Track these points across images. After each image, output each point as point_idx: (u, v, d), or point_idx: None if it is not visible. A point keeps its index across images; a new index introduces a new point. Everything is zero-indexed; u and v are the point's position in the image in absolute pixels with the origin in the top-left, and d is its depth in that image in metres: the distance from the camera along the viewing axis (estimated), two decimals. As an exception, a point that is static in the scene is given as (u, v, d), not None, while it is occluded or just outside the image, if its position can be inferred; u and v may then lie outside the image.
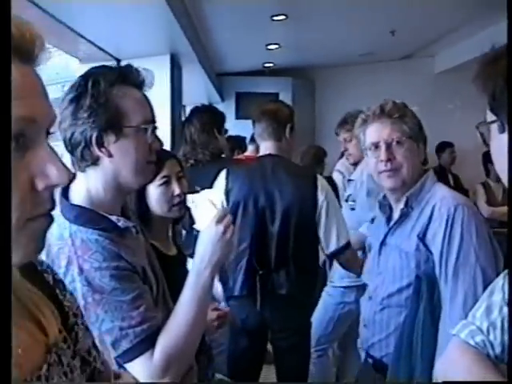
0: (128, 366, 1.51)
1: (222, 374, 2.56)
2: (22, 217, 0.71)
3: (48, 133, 0.76)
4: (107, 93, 1.53)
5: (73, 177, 1.61)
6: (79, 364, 0.96)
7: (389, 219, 2.14)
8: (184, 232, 3.17)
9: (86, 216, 1.57)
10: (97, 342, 1.42)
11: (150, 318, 1.52)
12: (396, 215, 2.10)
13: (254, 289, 2.94)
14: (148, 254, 1.74)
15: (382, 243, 2.13)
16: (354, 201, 3.60)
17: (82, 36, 3.26)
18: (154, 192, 2.11)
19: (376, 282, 2.14)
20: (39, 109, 0.73)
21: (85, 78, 1.56)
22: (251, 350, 3.11)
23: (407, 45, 7.11)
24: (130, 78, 1.59)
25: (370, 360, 2.16)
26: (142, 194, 2.10)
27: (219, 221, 1.62)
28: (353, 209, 3.59)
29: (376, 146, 2.07)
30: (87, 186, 1.61)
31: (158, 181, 2.10)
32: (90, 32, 3.31)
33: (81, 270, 1.47)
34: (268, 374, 3.26)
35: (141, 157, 1.60)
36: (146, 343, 1.50)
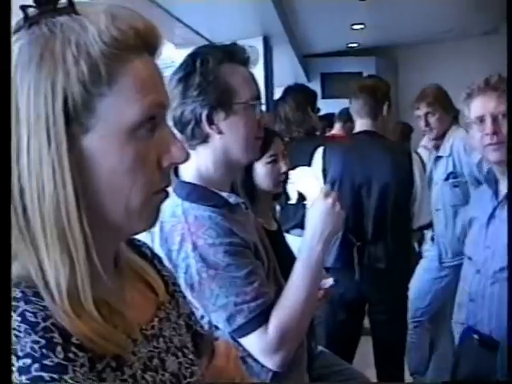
0: (242, 340, 1.55)
1: (322, 345, 2.60)
2: (150, 190, 0.80)
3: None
4: (215, 71, 1.57)
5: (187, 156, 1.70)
6: (183, 324, 1.04)
7: (496, 193, 2.11)
8: (279, 207, 3.22)
9: (197, 193, 1.62)
10: (212, 316, 1.54)
11: (263, 293, 1.55)
12: (503, 188, 2.07)
13: (350, 261, 2.96)
14: (257, 230, 1.78)
15: (491, 216, 2.10)
16: (456, 177, 3.54)
17: (178, 20, 3.34)
18: (261, 169, 2.16)
19: (484, 255, 2.10)
20: (165, 95, 0.83)
21: (192, 56, 1.61)
22: (349, 323, 3.14)
23: (489, 21, 6.87)
24: (236, 55, 1.62)
25: (476, 335, 2.11)
26: (249, 171, 2.15)
27: (327, 195, 1.65)
28: (456, 186, 3.53)
29: (481, 119, 2.02)
30: (197, 164, 1.65)
31: (265, 159, 2.16)
32: (186, 16, 3.39)
33: (195, 247, 1.52)
34: (365, 345, 3.28)
35: (250, 133, 1.63)
36: (261, 318, 1.53)
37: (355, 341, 3.21)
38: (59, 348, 0.69)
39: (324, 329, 3.13)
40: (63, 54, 0.72)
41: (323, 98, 7.76)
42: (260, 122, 1.66)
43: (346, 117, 4.38)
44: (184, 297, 1.11)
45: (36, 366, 0.67)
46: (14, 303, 0.71)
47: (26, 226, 0.74)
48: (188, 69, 1.59)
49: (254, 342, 1.54)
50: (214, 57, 1.58)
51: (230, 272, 1.52)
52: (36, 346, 0.68)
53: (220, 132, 1.60)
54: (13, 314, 0.70)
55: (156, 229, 1.61)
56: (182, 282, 1.53)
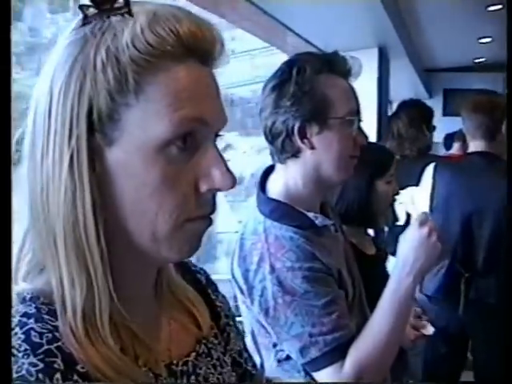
0: (315, 374, 1.43)
1: (417, 379, 2.45)
2: (181, 216, 0.70)
3: (217, 135, 0.74)
4: (313, 81, 1.46)
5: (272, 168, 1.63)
6: (230, 361, 0.96)
7: None
8: (386, 229, 3.12)
9: (281, 211, 1.51)
10: (285, 345, 1.41)
11: (342, 326, 1.43)
12: None
13: (455, 293, 2.75)
14: (346, 254, 1.66)
15: None
16: None
17: (290, 29, 3.29)
18: (382, 189, 2.02)
19: None
20: (210, 111, 0.71)
21: (289, 64, 1.51)
22: (450, 357, 2.93)
23: None
24: (336, 66, 1.50)
25: None
26: (368, 189, 2.04)
27: (422, 223, 1.50)
28: None
29: None
30: (285, 179, 1.56)
31: (387, 178, 2.03)
32: (298, 25, 3.33)
33: (272, 269, 1.41)
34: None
35: (344, 150, 1.51)
36: (337, 353, 1.40)
37: (456, 377, 2.98)
38: (58, 375, 0.64)
39: (422, 362, 2.94)
40: (94, 59, 0.68)
41: (444, 115, 7.52)
42: (356, 140, 1.53)
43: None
44: (238, 331, 1.03)
45: None
46: (23, 319, 0.68)
47: (52, 238, 0.71)
48: (283, 77, 1.50)
49: (327, 378, 1.40)
50: (311, 66, 1.47)
51: (308, 300, 1.40)
52: (33, 370, 0.63)
53: (312, 147, 1.49)
54: (18, 330, 0.66)
55: (236, 246, 1.54)
56: (256, 305, 1.45)
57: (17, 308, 0.70)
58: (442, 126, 5.52)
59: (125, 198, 0.70)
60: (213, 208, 0.73)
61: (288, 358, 1.51)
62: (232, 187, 0.72)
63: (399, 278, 1.48)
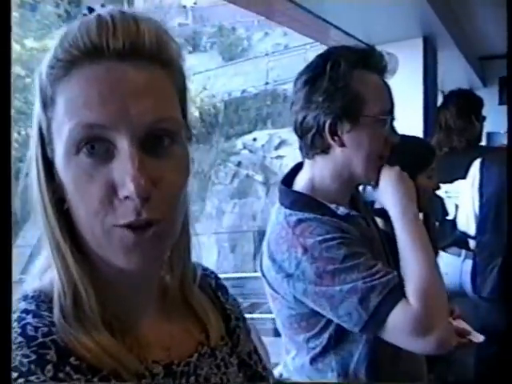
0: (384, 328, 1.36)
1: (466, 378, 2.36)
2: (107, 220, 0.71)
3: (153, 133, 0.72)
4: (347, 76, 1.44)
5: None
6: (236, 362, 0.97)
7: None
8: (437, 223, 3.04)
9: (302, 202, 1.50)
10: (341, 310, 1.38)
11: (390, 271, 1.39)
12: None
13: (507, 292, 2.60)
14: (380, 249, 1.63)
15: None
16: None
17: (329, 23, 3.24)
18: (423, 184, 1.97)
19: None
20: (115, 114, 0.69)
21: (323, 58, 1.49)
22: (506, 359, 2.81)
23: None
24: (372, 62, 1.48)
25: None
26: None
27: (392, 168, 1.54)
28: None
29: None
30: (312, 174, 1.54)
31: (428, 173, 2.01)
32: (338, 18, 3.27)
33: (304, 249, 1.39)
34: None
35: (375, 150, 1.49)
36: (397, 292, 1.35)
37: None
38: (49, 366, 0.68)
39: (474, 363, 2.83)
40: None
41: (500, 103, 7.29)
42: (387, 140, 1.50)
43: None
44: (248, 332, 1.04)
45: (20, 381, 0.66)
46: (22, 315, 0.73)
47: (45, 238, 0.78)
48: (316, 71, 1.48)
49: (397, 322, 1.33)
50: (346, 60, 1.45)
51: (350, 262, 1.37)
52: (25, 361, 0.67)
53: (342, 145, 1.48)
54: (16, 324, 0.71)
55: (264, 243, 1.53)
56: (301, 285, 1.42)
57: (18, 305, 0.75)
58: (498, 116, 5.35)
59: (73, 204, 0.74)
60: (137, 217, 0.71)
61: (322, 354, 1.49)
62: (141, 194, 0.69)
63: (401, 209, 1.47)
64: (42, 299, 0.76)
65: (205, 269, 1.03)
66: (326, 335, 1.49)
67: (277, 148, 17.61)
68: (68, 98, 0.71)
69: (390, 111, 1.52)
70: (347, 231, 1.45)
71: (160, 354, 0.83)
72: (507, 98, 1.48)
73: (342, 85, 1.44)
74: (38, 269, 0.83)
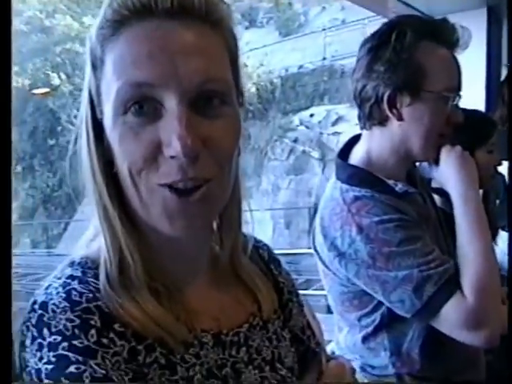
0: (435, 321, 1.34)
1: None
2: (150, 177, 0.71)
3: (202, 93, 0.70)
4: (412, 48, 1.38)
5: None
6: (289, 337, 0.95)
7: None
8: (498, 201, 2.94)
9: (359, 176, 1.45)
10: (393, 296, 1.35)
11: (447, 259, 1.35)
12: None
13: None
14: (437, 227, 1.58)
15: None
16: None
17: (389, -7, 3.15)
18: (482, 159, 1.90)
19: None
20: (162, 72, 0.68)
21: (390, 26, 1.43)
22: None
23: None
24: (442, 34, 1.41)
25: None
26: None
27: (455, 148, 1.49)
28: None
29: None
30: (368, 146, 1.50)
31: (487, 147, 1.95)
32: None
33: (360, 228, 1.35)
34: None
35: (434, 127, 1.43)
36: (452, 284, 1.32)
37: None
38: (93, 331, 0.68)
39: None
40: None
41: None
42: (450, 118, 1.44)
43: None
44: (301, 307, 1.01)
45: (64, 344, 0.67)
46: (68, 280, 0.73)
47: (95, 206, 0.78)
48: (381, 39, 1.43)
49: (451, 316, 1.31)
50: (413, 31, 1.39)
51: (406, 246, 1.33)
52: (69, 325, 0.67)
53: (400, 118, 1.43)
54: (61, 289, 0.71)
55: (317, 218, 1.51)
56: (353, 266, 1.39)
57: (65, 271, 0.76)
58: None
59: (119, 164, 0.74)
60: (182, 176, 0.70)
61: (374, 332, 1.47)
62: (191, 156, 0.68)
63: (463, 198, 1.42)
64: (88, 266, 0.77)
65: (258, 241, 1.02)
66: (378, 314, 1.46)
67: (334, 124, 17.41)
68: (116, 57, 0.70)
69: (456, 88, 1.45)
70: (405, 211, 1.40)
71: (209, 323, 0.82)
72: (508, 101, 1.39)
73: (405, 56, 1.39)
74: (87, 236, 0.83)
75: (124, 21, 0.70)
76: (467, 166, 1.47)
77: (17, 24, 20.32)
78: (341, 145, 1.60)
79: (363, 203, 1.39)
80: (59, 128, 21.11)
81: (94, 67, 0.74)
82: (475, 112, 2.06)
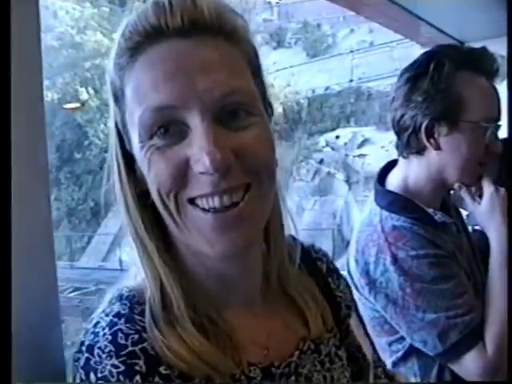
0: (453, 364, 1.36)
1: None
2: (180, 193, 0.70)
3: (225, 107, 0.70)
4: (450, 78, 1.38)
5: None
6: (345, 355, 0.90)
7: None
8: None
9: (400, 203, 1.45)
10: (417, 336, 1.34)
11: (476, 306, 1.36)
12: None
13: None
14: (469, 256, 1.56)
15: None
16: None
17: (422, 19, 3.14)
18: None
19: None
20: (181, 92, 0.67)
21: (428, 56, 1.44)
22: None
23: None
24: (481, 64, 1.41)
25: None
26: None
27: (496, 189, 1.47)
28: None
29: None
30: (406, 174, 1.50)
31: None
32: (430, 14, 3.17)
33: (395, 259, 1.36)
34: None
35: (473, 157, 1.43)
36: (477, 335, 1.33)
37: None
38: (138, 377, 0.66)
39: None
40: None
41: None
42: (488, 148, 1.43)
43: None
44: (361, 322, 1.00)
45: None
46: (115, 319, 0.71)
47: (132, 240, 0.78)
48: (419, 69, 1.44)
49: (470, 364, 1.33)
50: (451, 61, 1.40)
51: (438, 285, 1.34)
52: (115, 371, 0.66)
53: (438, 148, 1.43)
54: (107, 330, 0.70)
55: (352, 240, 1.51)
56: (381, 298, 1.41)
57: (113, 307, 0.74)
58: None
59: (151, 190, 0.73)
60: (215, 189, 0.69)
61: (404, 358, 1.46)
62: (217, 169, 0.67)
63: (502, 247, 1.41)
64: (136, 300, 0.75)
65: (316, 251, 0.99)
66: (409, 340, 1.45)
67: (359, 146, 17.38)
68: (135, 85, 0.70)
69: (495, 119, 1.45)
70: (441, 245, 1.41)
71: (257, 355, 0.79)
72: (508, 100, 1.38)
73: (443, 86, 1.39)
74: (134, 269, 0.81)
75: (138, 47, 0.70)
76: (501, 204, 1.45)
77: (48, 39, 20.66)
78: (366, 167, 1.61)
79: (401, 234, 1.39)
80: (86, 142, 21.34)
81: (116, 99, 0.75)
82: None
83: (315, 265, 0.96)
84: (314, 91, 20.54)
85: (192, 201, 0.70)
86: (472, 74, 1.42)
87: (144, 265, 0.75)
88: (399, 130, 1.48)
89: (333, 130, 19.01)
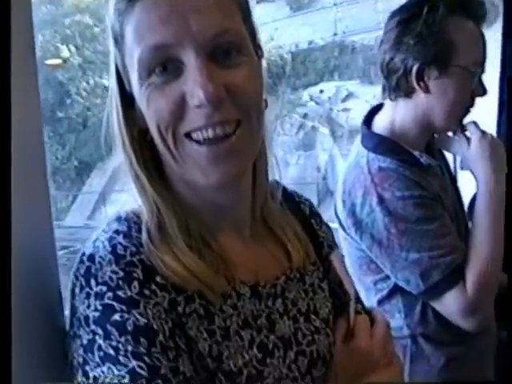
0: (435, 302, 1.44)
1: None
2: (178, 128, 0.76)
3: (225, 50, 0.75)
4: (443, 22, 1.40)
5: (379, 106, 1.61)
6: (327, 288, 0.98)
7: None
8: None
9: (386, 145, 1.49)
10: (401, 274, 1.41)
11: (458, 247, 1.42)
12: None
13: None
14: (453, 198, 1.63)
15: None
16: None
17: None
18: None
19: None
20: (176, 31, 0.73)
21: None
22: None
23: None
24: (471, 9, 1.44)
25: None
26: None
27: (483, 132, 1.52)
28: None
29: None
30: (393, 117, 1.54)
31: None
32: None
33: (381, 200, 1.41)
34: None
35: (460, 100, 1.47)
36: (458, 274, 1.39)
37: None
38: (136, 283, 0.73)
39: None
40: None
41: None
42: (474, 92, 1.48)
43: None
44: (339, 262, 1.05)
45: (109, 294, 0.72)
46: (114, 235, 0.78)
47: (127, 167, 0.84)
48: (412, 12, 1.45)
49: (450, 302, 1.41)
50: (445, 5, 1.41)
51: (422, 225, 1.40)
52: (114, 276, 0.72)
53: (427, 91, 1.46)
54: (107, 243, 0.76)
55: (339, 182, 1.55)
56: (367, 238, 1.46)
57: (111, 226, 0.81)
58: None
59: (150, 127, 0.79)
60: (209, 121, 0.74)
61: (389, 296, 1.52)
62: (210, 100, 0.72)
63: (489, 191, 1.46)
64: (134, 221, 0.81)
65: (299, 196, 1.06)
66: (393, 279, 1.51)
67: (344, 100, 17.36)
68: (134, 28, 0.75)
69: (481, 63, 1.49)
70: (427, 187, 1.46)
71: (247, 275, 0.86)
72: (508, 101, 1.44)
73: (436, 30, 1.41)
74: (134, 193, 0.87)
75: None
76: (498, 155, 1.50)
77: (26, -5, 20.15)
78: (350, 121, 1.64)
79: (387, 175, 1.44)
80: (68, 101, 21.10)
81: (116, 42, 0.79)
82: None
83: (299, 208, 1.04)
84: (297, 45, 20.37)
85: (188, 135, 0.76)
86: (463, 19, 1.44)
87: (139, 193, 0.82)
88: (388, 72, 1.51)
89: (316, 84, 18.95)
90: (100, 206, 18.44)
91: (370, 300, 1.58)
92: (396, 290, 1.52)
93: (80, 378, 0.71)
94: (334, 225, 1.79)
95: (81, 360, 0.71)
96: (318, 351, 0.90)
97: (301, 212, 1.03)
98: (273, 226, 0.95)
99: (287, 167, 17.20)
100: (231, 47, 0.76)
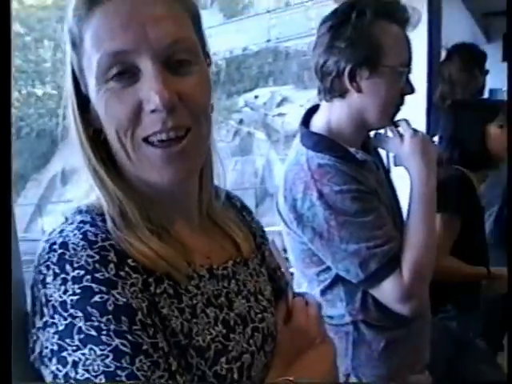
0: (374, 290, 1.53)
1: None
2: (136, 133, 0.80)
3: (172, 56, 0.80)
4: (370, 26, 1.50)
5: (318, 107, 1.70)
6: (266, 273, 1.08)
7: None
8: None
9: (324, 143, 1.58)
10: (341, 265, 1.50)
11: (393, 236, 1.51)
12: None
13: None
14: (388, 193, 1.72)
15: None
16: None
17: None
18: (495, 133, 2.17)
19: None
20: (131, 38, 0.78)
21: (349, 6, 1.53)
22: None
23: None
24: (395, 13, 1.53)
25: None
26: (479, 134, 2.22)
27: (415, 131, 1.62)
28: None
29: None
30: (329, 117, 1.62)
31: (498, 122, 2.18)
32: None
33: (320, 194, 1.48)
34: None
35: (390, 98, 1.57)
36: (394, 262, 1.49)
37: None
38: (112, 265, 0.77)
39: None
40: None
41: (504, 60, 7.26)
42: (403, 91, 1.58)
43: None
44: (270, 251, 1.14)
45: (88, 277, 0.74)
46: (80, 225, 0.81)
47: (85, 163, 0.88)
48: (342, 17, 1.53)
49: (388, 289, 1.50)
50: (372, 10, 1.50)
51: (360, 217, 1.48)
52: (90, 260, 0.75)
53: (360, 90, 1.55)
54: (77, 232, 0.79)
55: (281, 179, 1.62)
56: (308, 231, 1.53)
57: (75, 217, 0.84)
58: (501, 73, 5.33)
59: (107, 129, 0.83)
60: (163, 127, 0.80)
61: (331, 286, 1.60)
62: (169, 107, 0.78)
63: (422, 184, 1.56)
64: (96, 212, 0.85)
65: (229, 193, 1.14)
66: (334, 270, 1.58)
67: (278, 105, 17.54)
68: (93, 33, 0.80)
69: (408, 64, 1.58)
70: (363, 181, 1.54)
71: (203, 260, 0.93)
72: (508, 102, 1.57)
73: (365, 33, 1.50)
74: (84, 190, 0.91)
75: (96, 1, 0.79)
76: (429, 151, 1.60)
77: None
78: (286, 126, 1.71)
79: (326, 171, 1.51)
80: None
81: (74, 45, 0.83)
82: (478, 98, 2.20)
83: (231, 203, 1.12)
84: (231, 52, 20.48)
85: (146, 139, 0.81)
86: (388, 23, 1.53)
87: (99, 188, 0.86)
88: (322, 75, 1.58)
89: (251, 90, 19.09)
90: (36, 217, 17.98)
91: (313, 291, 1.65)
92: (337, 280, 1.60)
93: (54, 366, 0.73)
94: (274, 228, 1.87)
95: (55, 347, 0.73)
96: (268, 328, 0.97)
97: (233, 206, 1.12)
98: (219, 222, 1.02)
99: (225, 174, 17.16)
100: (185, 56, 0.82)
